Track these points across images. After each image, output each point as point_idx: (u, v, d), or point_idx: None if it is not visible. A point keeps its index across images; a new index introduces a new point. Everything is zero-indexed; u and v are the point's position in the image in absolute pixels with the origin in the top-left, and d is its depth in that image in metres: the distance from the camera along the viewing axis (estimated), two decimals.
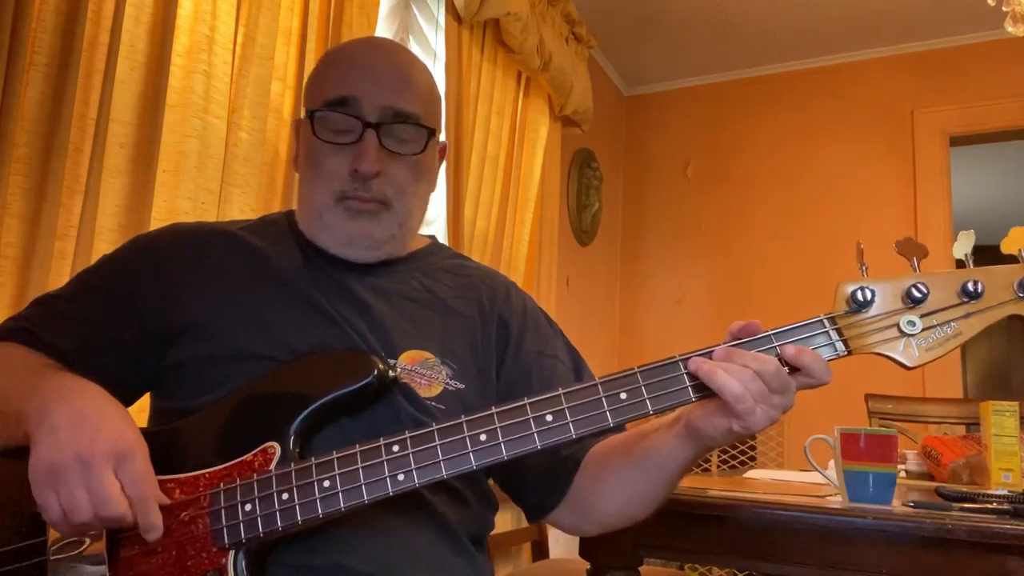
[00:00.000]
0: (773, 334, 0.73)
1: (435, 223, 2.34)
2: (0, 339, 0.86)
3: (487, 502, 0.92)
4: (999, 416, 1.38)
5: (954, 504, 1.09)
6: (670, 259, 3.73)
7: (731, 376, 0.68)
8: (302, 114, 0.95)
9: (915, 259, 0.75)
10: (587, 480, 0.88)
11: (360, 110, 0.87)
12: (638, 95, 3.93)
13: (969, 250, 0.75)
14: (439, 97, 0.98)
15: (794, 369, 0.71)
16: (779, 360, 0.71)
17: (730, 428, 0.71)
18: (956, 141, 3.29)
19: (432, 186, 0.97)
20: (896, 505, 1.11)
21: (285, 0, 1.71)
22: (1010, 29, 2.15)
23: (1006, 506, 1.04)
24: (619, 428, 0.85)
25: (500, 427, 0.72)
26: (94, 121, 1.34)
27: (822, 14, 3.15)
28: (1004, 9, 2.15)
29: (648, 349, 3.69)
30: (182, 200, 1.48)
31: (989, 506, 1.06)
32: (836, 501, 1.15)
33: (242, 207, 1.59)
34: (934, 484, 1.47)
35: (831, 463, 1.23)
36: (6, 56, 1.18)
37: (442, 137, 1.02)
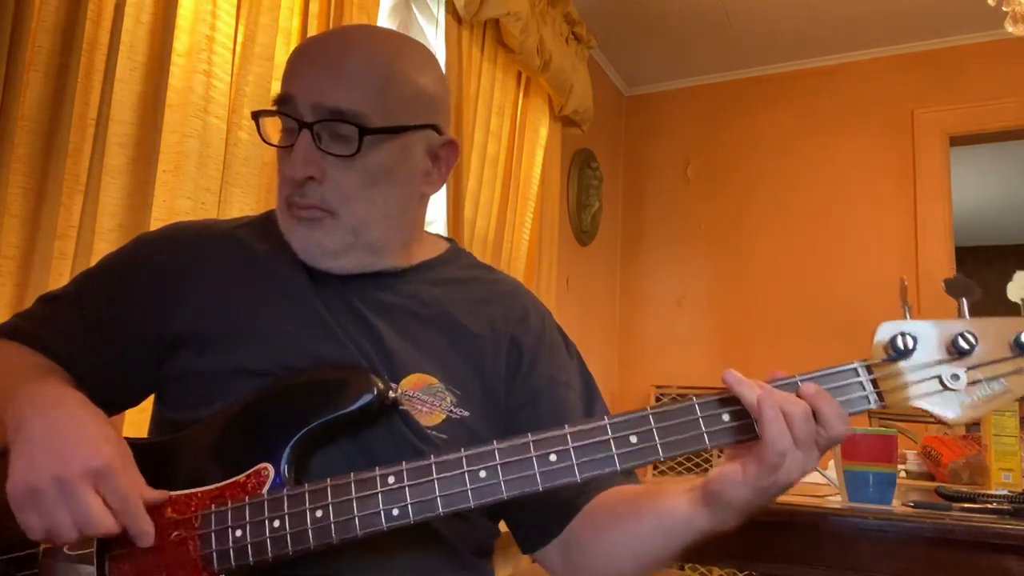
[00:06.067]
0: (800, 380, 0.67)
1: (435, 223, 2.34)
2: None
3: (489, 515, 0.88)
4: (999, 416, 1.38)
5: (954, 504, 1.09)
6: (670, 259, 3.72)
7: (777, 415, 0.62)
8: None
9: (964, 301, 0.66)
10: (587, 528, 0.82)
11: (296, 109, 0.80)
12: (638, 95, 3.93)
13: None
14: (419, 91, 0.84)
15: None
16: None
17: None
18: (956, 141, 3.29)
19: (406, 189, 0.86)
20: (896, 505, 1.11)
21: (285, 0, 1.71)
22: (1010, 29, 2.15)
23: (1006, 506, 1.04)
24: (628, 472, 0.80)
25: (501, 464, 0.68)
26: (94, 121, 1.34)
27: (822, 14, 3.15)
28: (1004, 9, 2.15)
29: (648, 349, 3.69)
30: (182, 200, 1.48)
31: (989, 506, 1.06)
32: (836, 501, 1.15)
33: (242, 207, 1.59)
34: (934, 484, 1.46)
35: (831, 463, 1.23)
36: (6, 56, 1.18)
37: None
